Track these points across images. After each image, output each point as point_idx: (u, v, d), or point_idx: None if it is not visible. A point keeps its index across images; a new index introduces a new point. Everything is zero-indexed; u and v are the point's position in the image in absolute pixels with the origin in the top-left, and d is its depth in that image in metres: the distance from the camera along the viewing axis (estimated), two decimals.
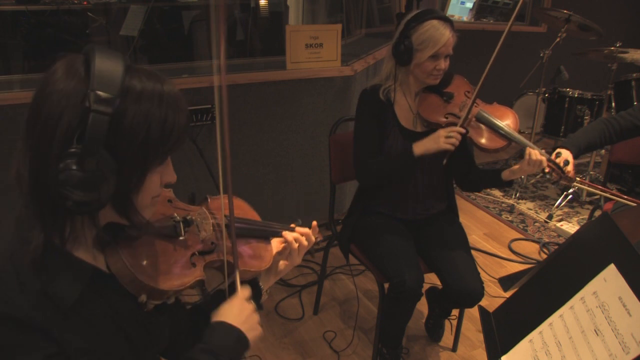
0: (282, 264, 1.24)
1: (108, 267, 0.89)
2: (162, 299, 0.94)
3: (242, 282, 1.10)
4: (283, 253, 1.23)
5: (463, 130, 1.82)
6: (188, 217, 1.02)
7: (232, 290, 1.06)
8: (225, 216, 1.09)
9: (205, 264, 1.02)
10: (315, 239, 1.28)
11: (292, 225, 1.26)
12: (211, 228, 1.07)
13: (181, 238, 1.00)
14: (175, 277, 0.94)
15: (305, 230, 1.25)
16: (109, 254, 0.88)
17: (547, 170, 1.83)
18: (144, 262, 0.91)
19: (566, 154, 1.91)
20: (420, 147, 1.84)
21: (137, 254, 0.90)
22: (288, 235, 1.21)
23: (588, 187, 2.20)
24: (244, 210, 1.24)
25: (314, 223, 1.28)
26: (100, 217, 0.84)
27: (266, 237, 1.21)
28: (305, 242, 1.23)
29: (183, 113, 0.85)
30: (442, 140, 1.80)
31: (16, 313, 0.75)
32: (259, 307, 1.21)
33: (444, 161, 1.90)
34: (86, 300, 0.83)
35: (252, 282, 1.19)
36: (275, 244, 1.23)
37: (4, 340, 0.75)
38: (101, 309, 0.86)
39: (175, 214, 1.01)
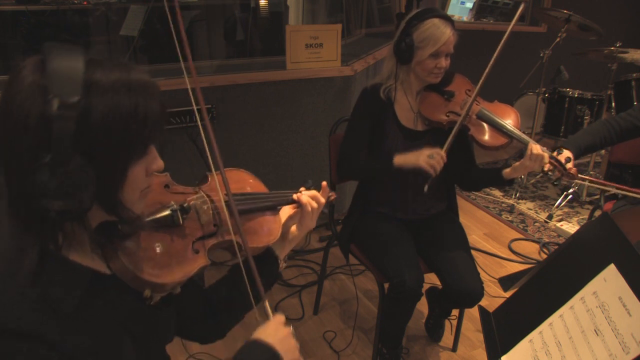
0: (294, 229, 1.22)
1: (109, 266, 0.88)
2: (167, 291, 0.92)
3: (253, 257, 1.06)
4: (294, 218, 1.21)
5: (445, 158, 1.81)
6: (185, 205, 0.98)
7: (247, 267, 1.03)
8: (229, 190, 1.05)
9: (209, 248, 1.00)
10: (328, 198, 1.26)
11: (302, 189, 1.23)
12: (211, 212, 1.03)
13: (180, 227, 0.97)
14: (177, 268, 0.92)
15: (313, 192, 1.22)
16: (107, 254, 0.86)
17: (548, 167, 1.83)
18: (143, 259, 0.88)
19: (567, 154, 1.91)
20: (400, 158, 1.85)
21: (135, 251, 0.88)
22: (302, 197, 1.19)
23: (590, 183, 2.16)
24: (247, 182, 1.20)
25: (324, 183, 1.26)
26: (90, 219, 0.82)
27: (273, 207, 1.18)
28: (315, 205, 1.20)
29: (155, 99, 0.80)
30: (422, 158, 1.79)
31: (15, 321, 0.74)
32: (278, 275, 1.21)
33: (425, 187, 1.85)
34: (86, 304, 0.81)
35: (267, 252, 1.17)
36: (286, 210, 1.21)
37: (3, 349, 0.74)
38: (102, 310, 0.85)
39: (172, 202, 0.97)
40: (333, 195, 1.31)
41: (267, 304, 1.02)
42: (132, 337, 0.89)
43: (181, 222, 0.96)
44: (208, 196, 1.05)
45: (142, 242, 0.90)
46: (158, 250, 0.92)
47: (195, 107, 0.95)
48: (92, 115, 0.73)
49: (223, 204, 1.04)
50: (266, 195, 1.17)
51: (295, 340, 1.00)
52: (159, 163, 0.86)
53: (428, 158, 1.79)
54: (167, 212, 0.95)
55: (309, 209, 1.19)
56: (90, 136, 0.74)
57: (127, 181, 0.81)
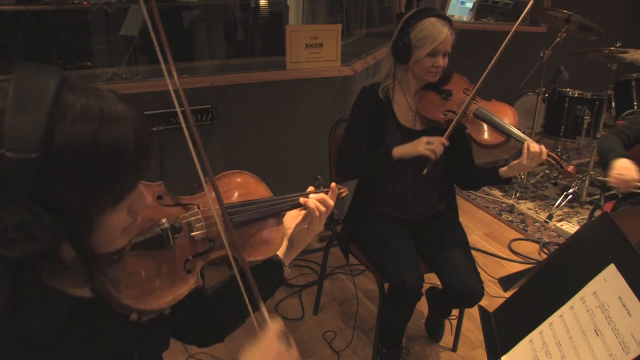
0: (300, 234, 1.16)
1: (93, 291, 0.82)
2: (155, 314, 0.87)
3: (254, 265, 1.00)
4: (301, 223, 1.15)
5: (446, 142, 1.82)
6: (177, 224, 0.90)
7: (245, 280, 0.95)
8: (223, 207, 0.95)
9: (202, 266, 0.94)
10: (339, 195, 1.21)
11: (310, 188, 1.19)
12: (205, 230, 0.96)
13: (171, 246, 0.89)
14: (166, 292, 0.86)
15: (321, 196, 1.16)
16: (90, 280, 0.80)
17: (546, 158, 1.83)
18: (129, 284, 0.81)
19: (627, 163, 1.97)
20: (399, 150, 1.85)
21: (121, 277, 0.81)
22: (309, 202, 1.13)
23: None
24: (250, 187, 1.12)
25: (333, 185, 1.21)
26: (66, 253, 0.74)
27: (277, 214, 1.10)
28: (323, 208, 1.14)
29: (131, 136, 0.69)
30: (422, 145, 1.81)
31: None
32: (282, 282, 1.15)
33: (424, 170, 1.86)
34: (70, 330, 0.76)
35: (271, 258, 1.11)
36: (293, 215, 1.16)
37: None
38: (87, 337, 0.79)
39: (164, 220, 0.89)
40: (345, 192, 1.26)
41: (264, 310, 0.93)
42: (122, 357, 0.84)
43: (172, 242, 0.89)
44: (202, 211, 0.97)
45: (129, 266, 0.83)
46: (146, 274, 0.85)
47: (179, 110, 0.88)
48: (52, 166, 0.65)
49: (218, 219, 0.96)
50: (270, 202, 1.09)
51: (291, 352, 0.91)
52: (145, 201, 0.78)
53: (427, 144, 1.81)
54: (156, 233, 0.87)
55: (317, 214, 1.13)
56: (49, 185, 0.66)
57: (101, 228, 0.72)
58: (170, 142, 2.60)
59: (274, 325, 0.92)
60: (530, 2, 1.81)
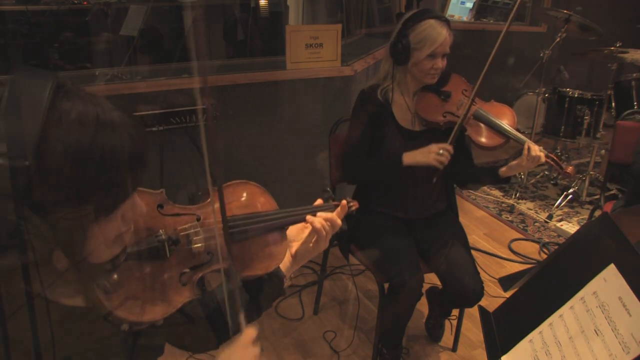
0: (304, 250, 1.14)
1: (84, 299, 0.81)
2: (147, 325, 0.85)
3: (255, 277, 0.99)
4: (308, 238, 1.13)
5: (452, 150, 1.86)
6: (174, 237, 0.87)
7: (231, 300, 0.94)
8: (225, 221, 0.92)
9: (198, 279, 0.91)
10: (350, 208, 1.19)
11: (319, 201, 1.17)
12: (203, 243, 0.93)
13: (166, 259, 0.87)
14: (159, 304, 0.84)
15: (328, 215, 1.13)
16: (82, 288, 0.79)
17: (545, 160, 1.83)
18: (122, 295, 0.80)
19: None
20: (410, 157, 1.87)
21: (113, 287, 0.80)
22: (315, 222, 1.10)
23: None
24: (255, 198, 1.09)
25: (344, 202, 1.18)
26: (57, 260, 0.73)
27: (281, 227, 1.08)
28: (329, 229, 1.12)
29: (127, 143, 0.68)
30: (432, 156, 1.84)
31: None
32: (281, 293, 1.14)
33: (434, 179, 1.92)
34: (61, 338, 0.75)
35: (273, 272, 1.09)
36: (298, 230, 1.15)
37: None
38: (79, 344, 0.79)
39: (161, 231, 0.87)
40: (355, 206, 1.24)
41: (241, 317, 0.92)
42: None
43: (168, 254, 0.87)
44: (203, 223, 0.95)
45: (122, 277, 0.81)
46: (139, 285, 0.83)
47: (201, 108, 0.87)
48: (46, 172, 0.64)
49: (219, 232, 0.93)
50: (274, 215, 1.06)
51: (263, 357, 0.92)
52: (139, 210, 0.77)
53: (437, 155, 1.84)
54: (153, 244, 0.86)
55: (324, 233, 1.11)
56: (43, 192, 0.65)
57: (94, 235, 0.71)
58: (170, 142, 2.60)
59: (248, 333, 0.92)
60: (516, 6, 1.80)
